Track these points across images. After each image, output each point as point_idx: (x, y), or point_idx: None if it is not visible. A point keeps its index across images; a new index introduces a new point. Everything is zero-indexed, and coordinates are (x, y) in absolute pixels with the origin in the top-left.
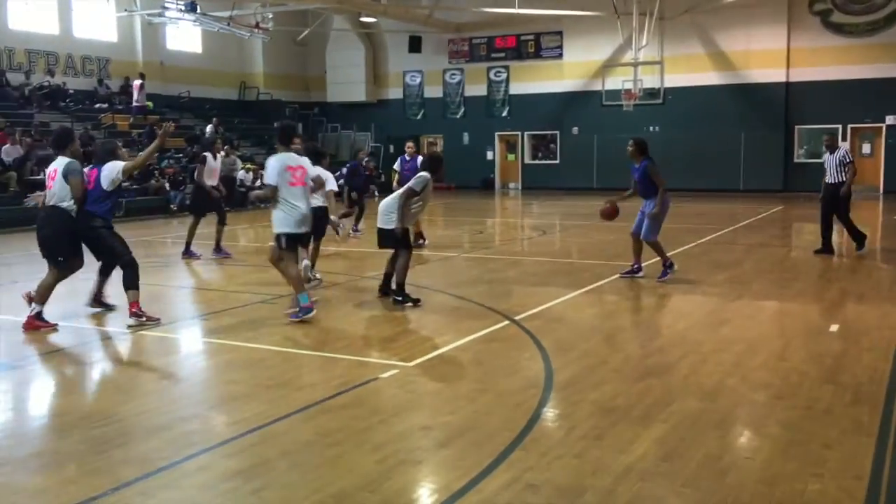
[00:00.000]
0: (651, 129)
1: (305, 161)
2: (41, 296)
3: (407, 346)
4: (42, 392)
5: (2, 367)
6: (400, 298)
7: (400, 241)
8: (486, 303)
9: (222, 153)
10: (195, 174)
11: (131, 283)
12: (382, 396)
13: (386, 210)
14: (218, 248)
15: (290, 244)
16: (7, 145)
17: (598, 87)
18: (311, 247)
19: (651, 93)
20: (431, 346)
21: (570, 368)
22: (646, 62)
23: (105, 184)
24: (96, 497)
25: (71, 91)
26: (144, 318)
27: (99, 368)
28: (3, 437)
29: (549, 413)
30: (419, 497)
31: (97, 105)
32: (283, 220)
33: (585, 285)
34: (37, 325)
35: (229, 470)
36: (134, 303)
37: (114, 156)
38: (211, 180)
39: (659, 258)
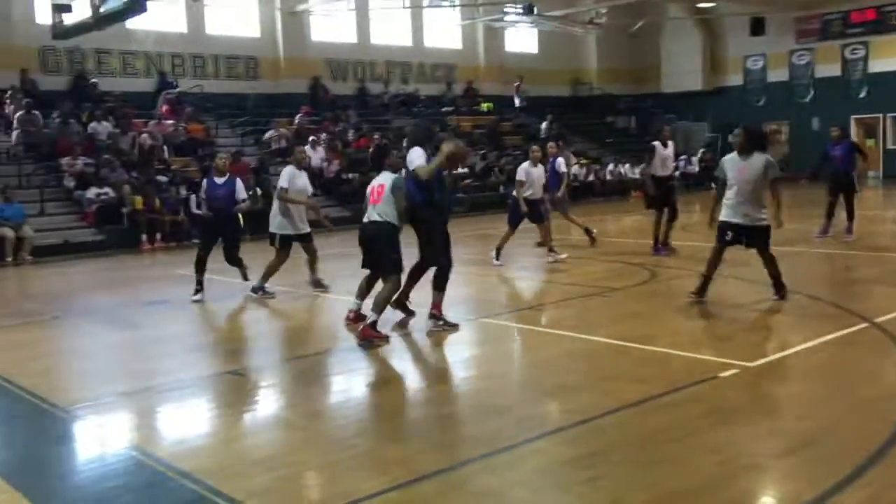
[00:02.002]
0: None
1: None
2: (379, 306)
3: (748, 345)
4: (395, 371)
5: (361, 346)
6: None
7: None
8: (840, 302)
9: (670, 142)
10: (644, 164)
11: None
12: (722, 396)
13: None
14: (664, 245)
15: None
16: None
17: None
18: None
19: None
20: (776, 346)
21: None
22: None
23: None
24: (444, 470)
25: (422, 97)
26: (442, 323)
27: (443, 352)
28: (365, 410)
29: None
30: None
31: (444, 108)
32: None
33: None
34: (371, 334)
35: (564, 456)
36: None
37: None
38: (663, 170)
39: None
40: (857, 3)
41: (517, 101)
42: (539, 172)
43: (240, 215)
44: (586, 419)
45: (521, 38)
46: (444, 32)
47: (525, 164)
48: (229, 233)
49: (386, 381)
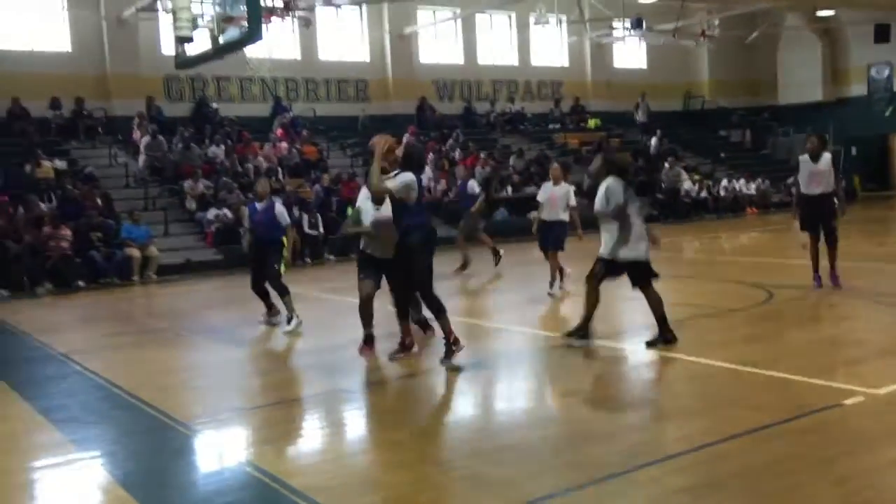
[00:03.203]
0: None
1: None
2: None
3: (876, 370)
4: (499, 393)
5: (474, 365)
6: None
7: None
8: None
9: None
10: (792, 181)
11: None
12: (847, 425)
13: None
14: (832, 275)
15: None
16: (481, 167)
17: None
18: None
19: None
20: None
21: None
22: None
23: None
24: (555, 494)
25: (529, 115)
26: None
27: (548, 374)
28: (472, 431)
29: None
30: None
31: (550, 126)
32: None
33: None
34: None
35: (678, 486)
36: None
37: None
38: (812, 188)
39: None
40: None
41: (638, 117)
42: (561, 191)
43: (284, 241)
44: (700, 446)
45: (630, 53)
46: (551, 50)
47: (546, 184)
48: (264, 258)
49: (489, 403)
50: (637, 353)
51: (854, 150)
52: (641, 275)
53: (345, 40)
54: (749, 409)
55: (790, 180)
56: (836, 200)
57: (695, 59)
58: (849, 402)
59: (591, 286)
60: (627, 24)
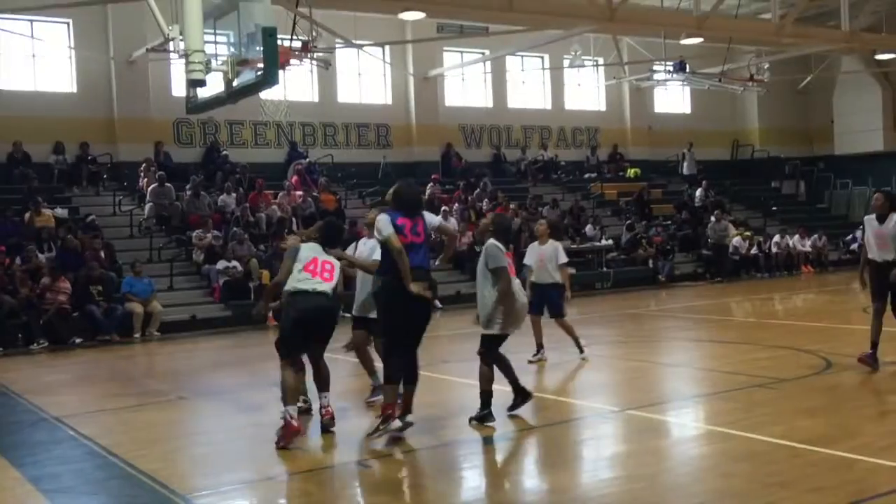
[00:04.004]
0: None
1: None
2: None
3: None
4: (526, 465)
5: (495, 438)
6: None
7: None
8: None
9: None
10: (852, 238)
11: None
12: None
13: None
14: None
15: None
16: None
17: None
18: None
19: None
20: None
21: None
22: None
23: None
24: None
25: (562, 163)
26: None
27: (583, 447)
28: None
29: None
30: None
31: (586, 175)
32: None
33: None
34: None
35: None
36: None
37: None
38: (881, 253)
39: None
40: None
41: (684, 168)
42: (550, 250)
43: None
44: None
45: (673, 98)
46: (587, 94)
47: (533, 244)
48: None
49: (524, 479)
50: (681, 425)
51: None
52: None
53: (366, 83)
54: (805, 493)
55: (849, 237)
56: None
57: (743, 105)
58: None
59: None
60: (669, 67)
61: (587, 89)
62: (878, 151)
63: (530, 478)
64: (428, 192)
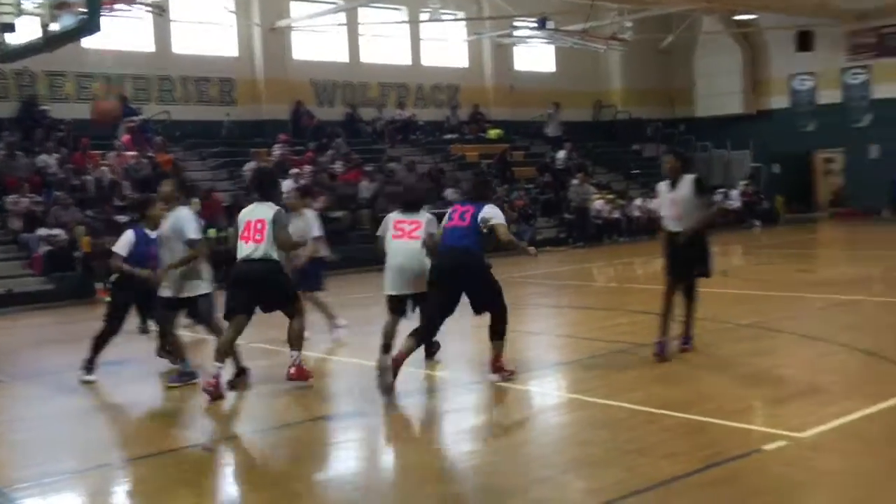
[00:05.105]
0: None
1: None
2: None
3: (798, 411)
4: (387, 443)
5: (351, 414)
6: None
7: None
8: None
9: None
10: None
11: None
12: (766, 474)
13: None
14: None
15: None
16: (366, 182)
17: None
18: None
19: None
20: (831, 413)
21: None
22: None
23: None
24: None
25: (421, 123)
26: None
27: (446, 421)
28: (353, 489)
29: None
30: None
31: (446, 136)
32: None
33: None
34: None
35: None
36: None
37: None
38: (671, 223)
39: None
40: None
41: (550, 131)
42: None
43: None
44: (610, 501)
45: (536, 56)
46: (447, 50)
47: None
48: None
49: (380, 454)
50: (542, 394)
51: (777, 169)
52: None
53: (207, 33)
54: (662, 458)
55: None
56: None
57: (606, 66)
58: (769, 447)
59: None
60: (532, 23)
61: (447, 45)
62: (737, 114)
63: (386, 454)
64: (276, 153)
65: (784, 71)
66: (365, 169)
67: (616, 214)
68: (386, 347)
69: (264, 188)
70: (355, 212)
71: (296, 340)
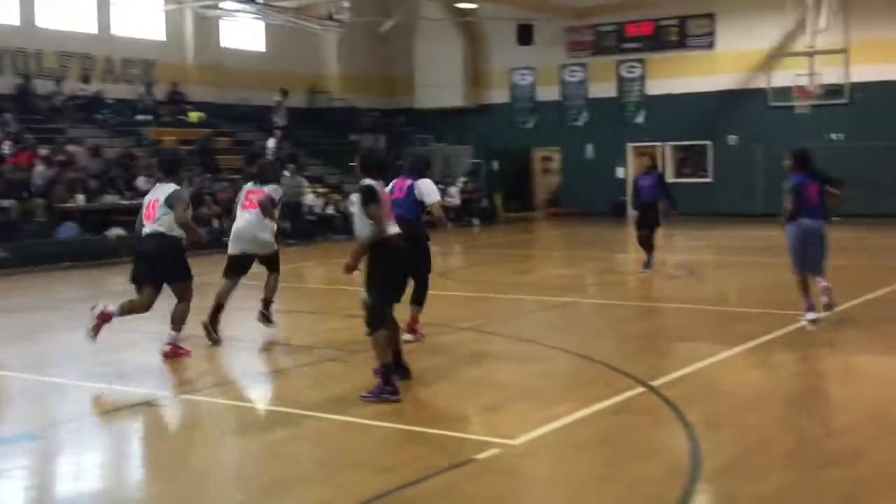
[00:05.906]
0: (833, 136)
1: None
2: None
3: (512, 417)
4: (54, 469)
5: (24, 436)
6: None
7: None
8: (614, 363)
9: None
10: None
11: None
12: (478, 484)
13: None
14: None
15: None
16: (41, 167)
17: (761, 83)
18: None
19: (833, 90)
20: (543, 417)
21: (724, 451)
22: (826, 51)
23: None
24: None
25: (109, 101)
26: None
27: (127, 442)
28: None
29: None
30: None
31: (139, 117)
32: None
33: (745, 341)
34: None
35: None
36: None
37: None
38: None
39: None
40: (633, 13)
41: (278, 120)
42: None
43: None
44: None
45: (245, 33)
46: (141, 19)
47: None
48: None
49: (57, 484)
50: (242, 409)
51: (496, 165)
52: None
53: None
54: (372, 472)
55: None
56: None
57: (322, 48)
58: (482, 455)
59: None
60: None
61: (142, 13)
62: (457, 107)
63: (60, 483)
64: None
65: (505, 64)
66: (39, 152)
67: (330, 210)
68: (217, 308)
69: (167, 169)
70: (26, 201)
71: (177, 322)
